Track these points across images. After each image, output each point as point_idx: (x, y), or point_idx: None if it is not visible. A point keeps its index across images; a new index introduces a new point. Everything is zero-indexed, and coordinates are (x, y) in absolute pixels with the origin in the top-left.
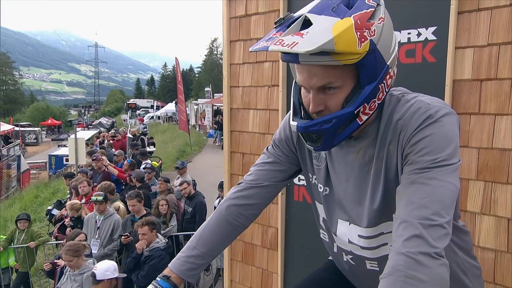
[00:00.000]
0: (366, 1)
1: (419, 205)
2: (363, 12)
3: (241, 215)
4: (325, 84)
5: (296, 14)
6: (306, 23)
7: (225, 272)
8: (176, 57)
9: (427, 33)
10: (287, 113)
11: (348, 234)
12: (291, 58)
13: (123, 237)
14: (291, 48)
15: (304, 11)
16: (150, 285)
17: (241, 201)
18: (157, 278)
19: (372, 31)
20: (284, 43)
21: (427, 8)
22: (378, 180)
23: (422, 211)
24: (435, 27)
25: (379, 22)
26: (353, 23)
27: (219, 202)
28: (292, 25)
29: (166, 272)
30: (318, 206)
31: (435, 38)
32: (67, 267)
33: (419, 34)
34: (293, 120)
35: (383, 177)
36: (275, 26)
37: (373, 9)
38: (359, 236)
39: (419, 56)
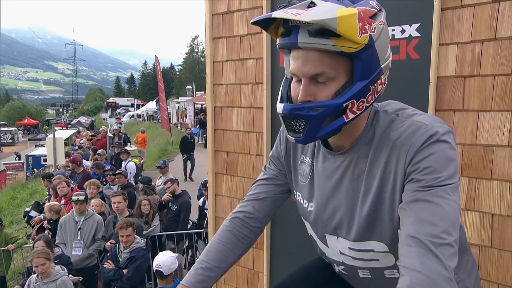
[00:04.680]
0: (370, 2)
1: (428, 222)
2: (366, 8)
3: (244, 226)
4: (319, 72)
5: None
6: (311, 6)
7: None
8: (156, 55)
9: (411, 30)
10: (272, 110)
11: (338, 246)
12: (289, 40)
13: (108, 243)
14: (295, 16)
15: None
16: None
17: (243, 214)
18: None
19: (373, 28)
20: (288, 12)
21: (411, 4)
22: (367, 196)
23: (432, 229)
24: (418, 24)
25: (379, 23)
26: (357, 13)
27: (203, 202)
28: (298, 4)
29: (179, 287)
30: (304, 222)
31: (419, 35)
32: (31, 282)
33: (403, 31)
34: (279, 103)
35: (373, 194)
36: (279, 7)
37: (376, 11)
38: (350, 248)
39: (403, 53)
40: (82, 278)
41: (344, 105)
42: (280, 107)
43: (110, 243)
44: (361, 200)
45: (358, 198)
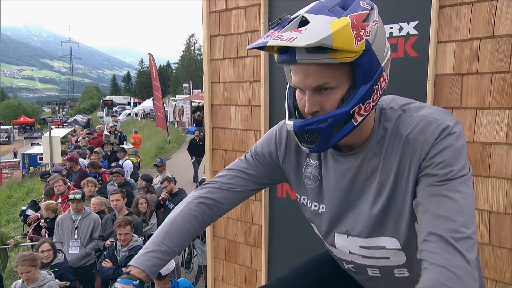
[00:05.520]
0: (361, 4)
1: (446, 218)
2: (358, 13)
3: (209, 213)
4: (321, 84)
5: (293, 16)
6: (303, 23)
7: (208, 271)
8: (150, 53)
9: (409, 28)
10: (269, 108)
11: (348, 246)
12: (287, 57)
13: (108, 242)
14: (290, 42)
15: (300, 12)
16: None
17: (212, 202)
18: (117, 279)
19: (367, 32)
20: (283, 38)
21: (409, 2)
22: (381, 192)
23: (451, 224)
24: (416, 22)
25: (373, 24)
26: (349, 22)
27: None
28: (290, 23)
29: (127, 270)
30: (311, 223)
31: (417, 33)
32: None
33: (401, 29)
34: (289, 120)
35: (388, 189)
36: (271, 27)
37: (368, 12)
38: (360, 246)
39: (401, 50)
40: (69, 283)
41: (351, 111)
42: (290, 125)
43: (110, 241)
44: (374, 195)
45: (371, 194)
